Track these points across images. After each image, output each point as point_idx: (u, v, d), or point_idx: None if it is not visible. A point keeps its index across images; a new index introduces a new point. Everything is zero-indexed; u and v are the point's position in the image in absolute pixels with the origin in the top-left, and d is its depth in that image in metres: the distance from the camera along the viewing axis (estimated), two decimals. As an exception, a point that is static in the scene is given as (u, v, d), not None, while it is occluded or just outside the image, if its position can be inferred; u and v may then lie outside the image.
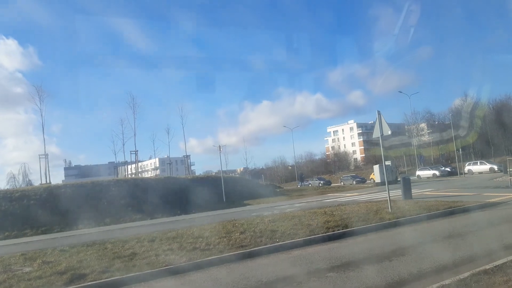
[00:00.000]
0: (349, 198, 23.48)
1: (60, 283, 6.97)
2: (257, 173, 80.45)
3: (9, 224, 20.90)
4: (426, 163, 56.33)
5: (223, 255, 8.30)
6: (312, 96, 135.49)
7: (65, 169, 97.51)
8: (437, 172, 43.51)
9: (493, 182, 25.38)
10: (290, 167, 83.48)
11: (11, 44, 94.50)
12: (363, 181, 48.86)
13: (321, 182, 53.86)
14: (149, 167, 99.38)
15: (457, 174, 41.23)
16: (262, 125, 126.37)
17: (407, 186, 18.21)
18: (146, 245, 10.01)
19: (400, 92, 61.45)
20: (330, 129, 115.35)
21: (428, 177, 43.01)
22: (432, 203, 14.26)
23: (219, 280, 6.95)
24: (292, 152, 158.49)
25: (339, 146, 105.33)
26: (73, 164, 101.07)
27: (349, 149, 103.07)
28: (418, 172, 46.18)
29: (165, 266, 7.62)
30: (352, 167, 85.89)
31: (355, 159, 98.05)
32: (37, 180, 48.84)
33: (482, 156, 54.33)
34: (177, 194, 28.35)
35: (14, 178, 61.39)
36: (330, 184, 52.42)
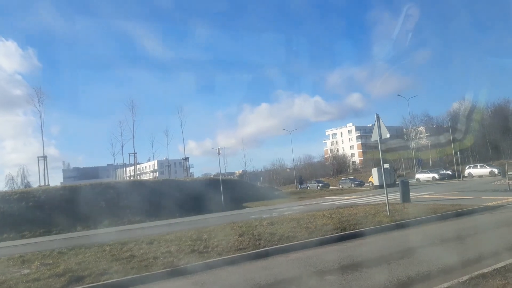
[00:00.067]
0: (348, 201, 23.50)
1: (58, 285, 6.96)
2: (255, 176, 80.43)
3: (7, 226, 20.82)
4: (425, 166, 56.38)
5: (221, 257, 8.30)
6: (311, 98, 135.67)
7: (64, 171, 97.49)
8: (436, 175, 43.52)
9: (492, 185, 25.40)
10: (289, 170, 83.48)
11: (11, 46, 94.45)
12: (361, 184, 48.89)
13: (320, 185, 53.88)
14: (148, 169, 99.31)
15: (459, 177, 41.10)
16: (261, 128, 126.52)
17: (405, 189, 18.21)
18: (144, 248, 10.00)
19: (399, 95, 61.94)
20: (329, 132, 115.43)
21: (427, 180, 42.99)
22: (430, 207, 14.28)
23: (216, 283, 6.95)
24: (291, 154, 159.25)
25: (337, 149, 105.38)
26: (71, 166, 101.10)
27: (348, 152, 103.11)
28: (417, 175, 46.19)
29: (163, 269, 7.62)
30: (350, 170, 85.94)
31: (354, 162, 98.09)
32: (35, 182, 48.87)
33: (481, 159, 54.40)
34: (175, 196, 28.28)
35: (13, 180, 61.44)
36: (328, 187, 52.46)
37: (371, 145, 71.79)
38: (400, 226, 11.21)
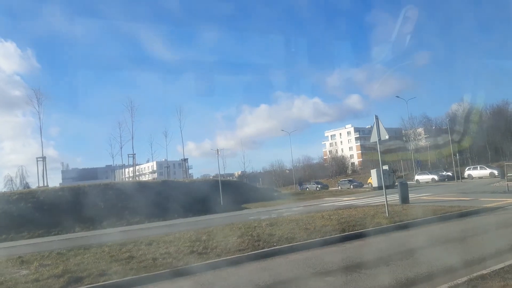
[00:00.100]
0: (347, 202, 23.51)
1: (57, 286, 6.96)
2: (255, 177, 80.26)
3: (6, 227, 20.81)
4: (424, 168, 56.43)
5: (220, 259, 8.30)
6: (310, 100, 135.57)
7: (63, 172, 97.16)
8: (436, 177, 43.55)
9: (491, 187, 25.42)
10: (288, 171, 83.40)
11: (10, 46, 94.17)
12: (360, 185, 48.93)
13: (319, 186, 53.91)
14: (147, 170, 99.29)
15: (458, 179, 41.05)
16: (260, 129, 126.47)
17: (404, 190, 18.23)
18: (143, 249, 10.00)
19: (398, 97, 61.87)
20: (328, 133, 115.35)
21: (427, 182, 43.01)
22: (429, 208, 14.30)
23: (215, 284, 6.96)
24: (289, 156, 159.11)
25: (336, 150, 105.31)
26: (70, 167, 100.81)
27: (347, 153, 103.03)
28: (417, 177, 46.23)
29: (162, 270, 7.62)
30: (349, 172, 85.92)
31: (353, 164, 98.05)
32: (34, 183, 48.71)
33: (480, 161, 54.42)
34: (174, 198, 28.26)
35: (12, 181, 61.27)
36: (327, 188, 52.48)
37: (370, 147, 71.72)
38: (399, 227, 11.23)
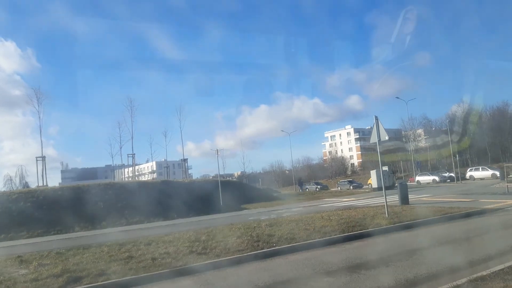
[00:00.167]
0: (346, 203, 23.49)
1: (56, 285, 6.95)
2: (254, 177, 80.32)
3: (5, 226, 20.77)
4: (423, 169, 56.44)
5: (220, 259, 8.29)
6: (310, 100, 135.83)
7: (62, 171, 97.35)
8: (437, 178, 43.53)
9: (491, 188, 25.38)
10: (288, 172, 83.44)
11: (10, 46, 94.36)
12: (360, 186, 48.91)
13: (318, 187, 53.87)
14: (146, 170, 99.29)
15: (458, 180, 40.96)
16: (260, 129, 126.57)
17: (404, 191, 18.22)
18: (142, 249, 9.98)
19: (397, 97, 61.90)
20: (328, 134, 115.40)
21: (428, 183, 43.00)
22: (428, 209, 14.31)
23: (215, 284, 6.95)
24: (289, 156, 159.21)
25: (336, 151, 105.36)
26: (70, 167, 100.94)
27: (346, 154, 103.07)
28: (417, 178, 46.23)
29: (161, 270, 7.61)
30: (349, 172, 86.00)
31: (352, 164, 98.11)
32: (34, 183, 48.66)
33: (479, 162, 54.44)
34: (173, 198, 28.23)
35: (11, 180, 61.30)
36: (327, 189, 52.44)
37: (370, 147, 71.79)
38: (399, 228, 11.22)
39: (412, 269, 6.65)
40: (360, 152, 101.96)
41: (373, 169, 40.91)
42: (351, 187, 48.43)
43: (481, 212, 13.57)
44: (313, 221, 12.80)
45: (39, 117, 42.91)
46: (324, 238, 9.90)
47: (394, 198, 18.58)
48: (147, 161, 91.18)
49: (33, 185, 48.87)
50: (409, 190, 19.43)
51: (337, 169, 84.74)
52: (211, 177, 60.17)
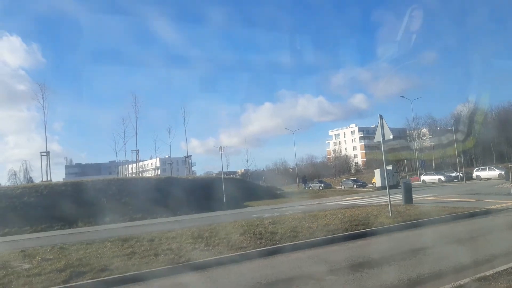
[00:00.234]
0: (350, 201, 23.47)
1: (59, 280, 6.96)
2: (258, 175, 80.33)
3: (9, 221, 20.86)
4: (427, 168, 56.26)
5: (222, 256, 8.30)
6: (315, 99, 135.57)
7: (66, 167, 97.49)
8: (442, 177, 43.35)
9: (495, 189, 25.26)
10: (291, 170, 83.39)
11: (15, 41, 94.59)
12: (363, 185, 48.83)
13: (322, 185, 53.82)
14: (150, 166, 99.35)
15: (463, 180, 40.68)
16: (264, 127, 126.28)
17: (408, 191, 18.18)
18: (145, 244, 10.01)
19: (403, 96, 61.70)
20: (332, 133, 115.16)
21: (433, 182, 42.83)
22: (432, 209, 14.27)
23: (217, 281, 6.95)
24: (293, 154, 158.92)
25: (340, 149, 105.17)
26: (74, 162, 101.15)
27: (350, 152, 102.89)
28: (423, 177, 46.11)
29: (164, 266, 7.62)
30: (353, 171, 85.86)
31: (356, 163, 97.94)
32: (38, 178, 48.76)
33: (484, 162, 54.18)
34: (177, 194, 28.28)
35: (15, 175, 61.34)
36: (331, 187, 52.41)
37: (374, 146, 71.66)
38: (402, 227, 11.19)
39: (415, 268, 6.63)
40: (364, 151, 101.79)
41: (377, 168, 40.78)
42: (355, 186, 48.37)
43: (485, 213, 13.52)
44: (316, 219, 12.80)
45: (44, 112, 42.91)
46: (327, 237, 9.89)
47: (398, 197, 18.54)
48: (151, 158, 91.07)
49: (37, 180, 48.99)
50: (413, 189, 19.39)
51: (341, 167, 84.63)
52: (214, 174, 60.28)
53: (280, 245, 9.13)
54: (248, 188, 39.93)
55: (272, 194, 40.31)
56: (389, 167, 37.12)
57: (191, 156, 65.22)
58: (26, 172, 60.40)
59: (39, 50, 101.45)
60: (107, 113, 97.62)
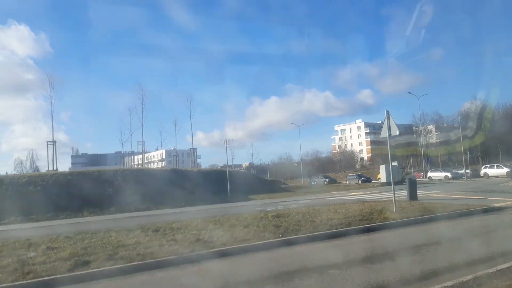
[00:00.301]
0: (354, 197, 23.46)
1: (64, 269, 7.03)
2: (262, 169, 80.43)
3: (15, 209, 21.01)
4: (433, 165, 56.03)
5: (225, 247, 8.34)
6: (321, 93, 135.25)
7: (72, 157, 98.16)
8: (449, 174, 43.10)
9: (500, 186, 25.14)
10: (296, 164, 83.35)
11: (23, 30, 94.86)
12: (368, 180, 48.73)
13: (327, 180, 53.80)
14: (156, 158, 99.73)
15: (469, 177, 40.34)
16: (270, 121, 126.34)
17: (412, 187, 18.17)
18: (150, 235, 10.11)
19: (410, 93, 61.34)
20: (338, 128, 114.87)
21: (439, 179, 42.61)
22: (436, 205, 14.23)
23: (219, 272, 7.00)
24: (298, 149, 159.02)
25: (346, 145, 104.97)
26: (80, 152, 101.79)
27: (356, 148, 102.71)
28: (429, 174, 45.85)
29: (168, 256, 7.68)
30: (358, 166, 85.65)
31: (362, 159, 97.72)
32: (44, 167, 49.13)
33: (490, 160, 53.84)
34: (182, 186, 28.43)
35: (22, 164, 61.86)
36: (335, 182, 52.39)
37: (380, 142, 71.47)
38: (406, 223, 11.19)
39: (417, 264, 6.63)
40: (370, 147, 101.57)
41: (382, 164, 40.68)
42: (360, 181, 48.23)
43: (489, 210, 13.46)
44: (320, 214, 12.83)
45: (51, 102, 43.07)
46: (330, 231, 9.92)
47: (403, 193, 18.51)
48: (157, 149, 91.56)
49: (43, 169, 49.40)
50: (418, 186, 19.35)
51: (346, 163, 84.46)
52: (219, 167, 60.40)
53: (283, 238, 9.18)
54: (252, 182, 40.01)
55: (276, 188, 40.42)
56: (395, 163, 37.03)
57: (196, 148, 65.43)
58: (33, 161, 60.92)
59: (47, 39, 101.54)
60: (114, 104, 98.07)
